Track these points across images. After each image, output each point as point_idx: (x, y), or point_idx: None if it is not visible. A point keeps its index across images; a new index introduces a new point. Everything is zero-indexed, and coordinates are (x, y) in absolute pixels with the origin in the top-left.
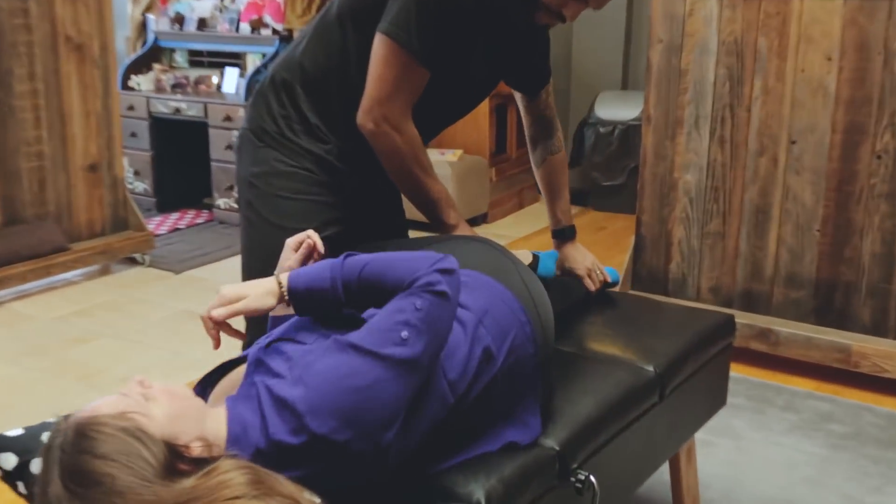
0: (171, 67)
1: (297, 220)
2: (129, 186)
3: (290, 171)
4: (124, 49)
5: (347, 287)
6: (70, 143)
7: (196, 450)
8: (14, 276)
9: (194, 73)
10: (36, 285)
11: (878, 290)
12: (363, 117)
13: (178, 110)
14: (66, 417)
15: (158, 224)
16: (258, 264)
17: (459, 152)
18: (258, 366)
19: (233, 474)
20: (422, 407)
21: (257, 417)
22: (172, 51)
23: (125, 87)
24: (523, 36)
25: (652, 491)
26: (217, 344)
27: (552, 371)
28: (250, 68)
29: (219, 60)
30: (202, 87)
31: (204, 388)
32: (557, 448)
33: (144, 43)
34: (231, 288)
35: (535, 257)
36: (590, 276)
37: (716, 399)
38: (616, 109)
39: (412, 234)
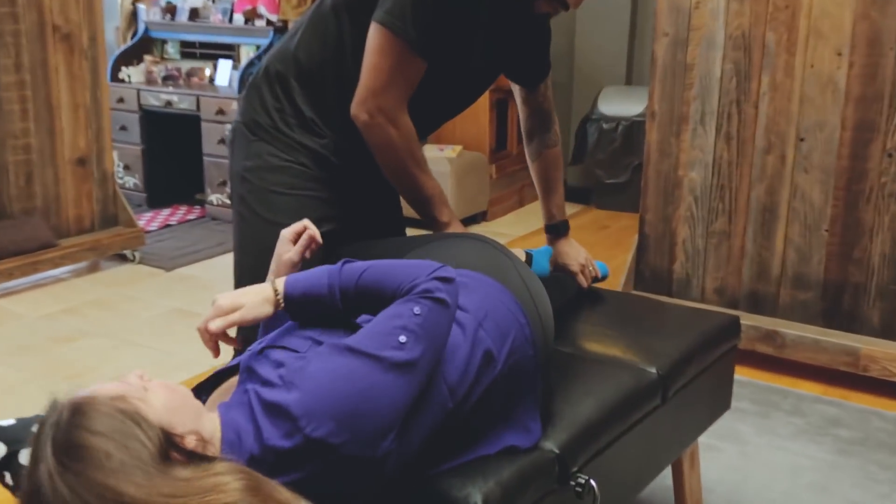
0: (163, 59)
1: (290, 215)
2: (119, 181)
3: (283, 166)
4: (114, 40)
5: (345, 293)
6: (58, 137)
7: (191, 443)
8: (0, 272)
9: (186, 65)
10: (22, 282)
11: (888, 291)
12: (357, 108)
13: (169, 103)
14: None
15: (149, 220)
16: (251, 261)
17: (458, 148)
18: (250, 374)
19: (228, 478)
20: (421, 414)
21: (250, 424)
22: (164, 42)
23: (115, 78)
24: (523, 26)
25: (654, 496)
26: (216, 354)
27: (552, 372)
28: (244, 60)
29: (212, 52)
30: (194, 79)
31: (198, 395)
32: (557, 451)
33: (135, 33)
34: (226, 298)
35: (529, 256)
36: (583, 273)
37: (720, 402)
38: (620, 105)
39: (409, 232)
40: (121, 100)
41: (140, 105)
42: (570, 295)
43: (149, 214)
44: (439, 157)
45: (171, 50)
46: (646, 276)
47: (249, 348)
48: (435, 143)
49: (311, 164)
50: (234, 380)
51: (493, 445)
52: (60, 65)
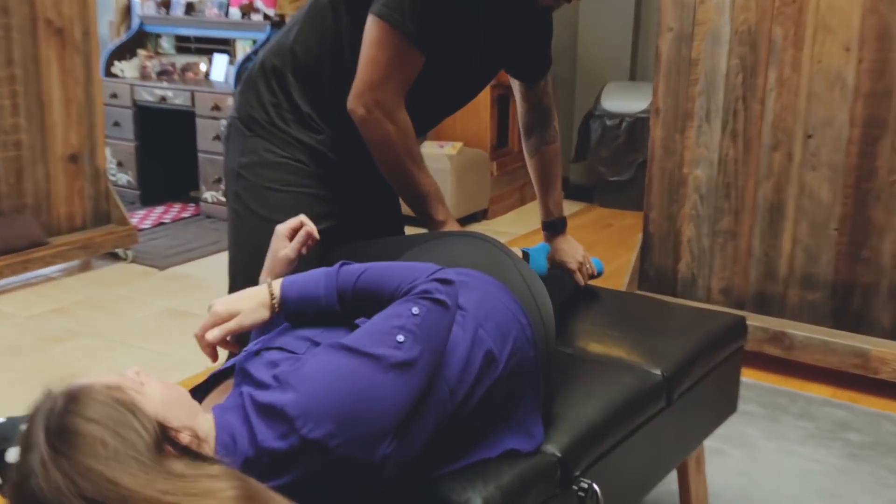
0: (157, 53)
1: (286, 213)
2: (112, 178)
3: (280, 162)
4: (107, 34)
5: (342, 296)
6: (49, 132)
7: (186, 438)
8: None
9: (181, 60)
10: (12, 281)
11: None
12: (354, 102)
13: (163, 98)
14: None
15: (142, 218)
16: (246, 259)
17: (459, 145)
18: (245, 376)
19: (223, 484)
20: (422, 417)
21: (244, 427)
22: (158, 36)
23: (108, 73)
24: (524, 20)
25: (659, 501)
26: (214, 359)
27: (554, 373)
28: (240, 55)
29: (207, 47)
30: (189, 74)
31: (194, 397)
32: (559, 454)
33: (129, 28)
34: (223, 304)
35: (526, 254)
36: (580, 270)
37: (726, 405)
38: (623, 101)
39: (409, 230)
40: (114, 95)
41: (134, 100)
42: (569, 293)
43: (142, 212)
44: (439, 154)
45: (166, 44)
46: (650, 276)
47: (245, 349)
48: (435, 139)
49: (307, 161)
50: (231, 381)
51: (493, 448)
52: (52, 59)
